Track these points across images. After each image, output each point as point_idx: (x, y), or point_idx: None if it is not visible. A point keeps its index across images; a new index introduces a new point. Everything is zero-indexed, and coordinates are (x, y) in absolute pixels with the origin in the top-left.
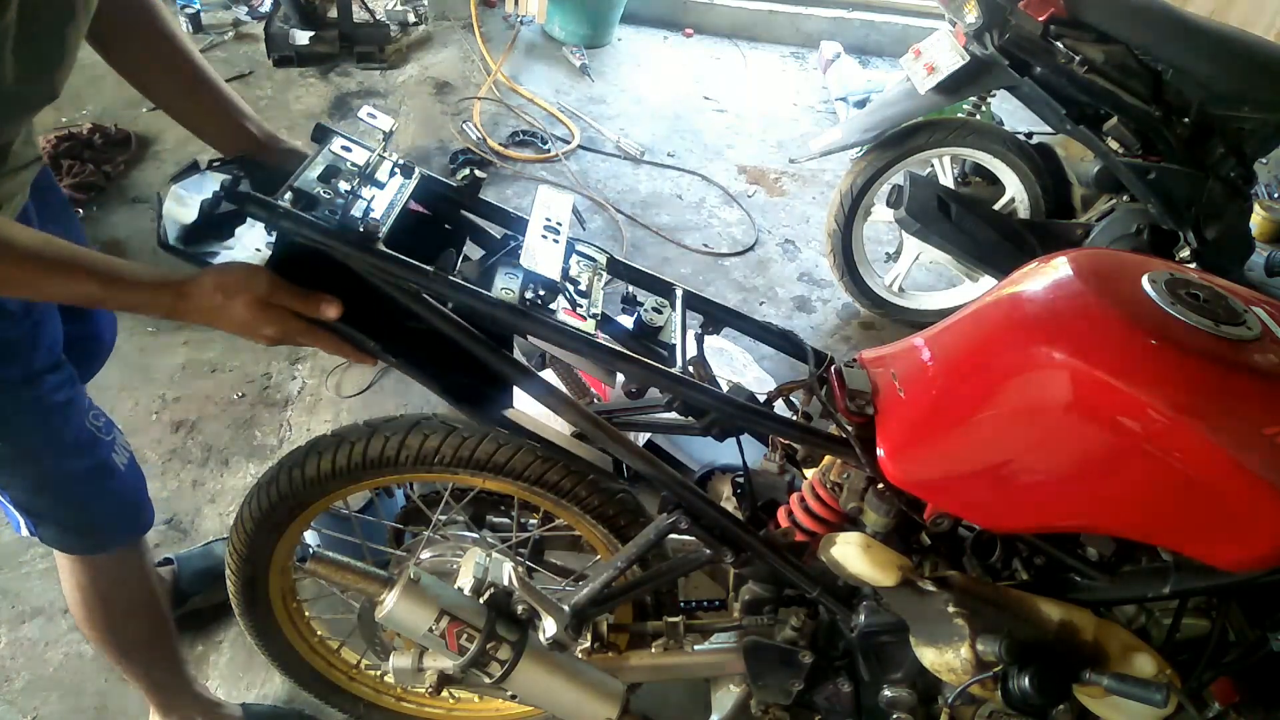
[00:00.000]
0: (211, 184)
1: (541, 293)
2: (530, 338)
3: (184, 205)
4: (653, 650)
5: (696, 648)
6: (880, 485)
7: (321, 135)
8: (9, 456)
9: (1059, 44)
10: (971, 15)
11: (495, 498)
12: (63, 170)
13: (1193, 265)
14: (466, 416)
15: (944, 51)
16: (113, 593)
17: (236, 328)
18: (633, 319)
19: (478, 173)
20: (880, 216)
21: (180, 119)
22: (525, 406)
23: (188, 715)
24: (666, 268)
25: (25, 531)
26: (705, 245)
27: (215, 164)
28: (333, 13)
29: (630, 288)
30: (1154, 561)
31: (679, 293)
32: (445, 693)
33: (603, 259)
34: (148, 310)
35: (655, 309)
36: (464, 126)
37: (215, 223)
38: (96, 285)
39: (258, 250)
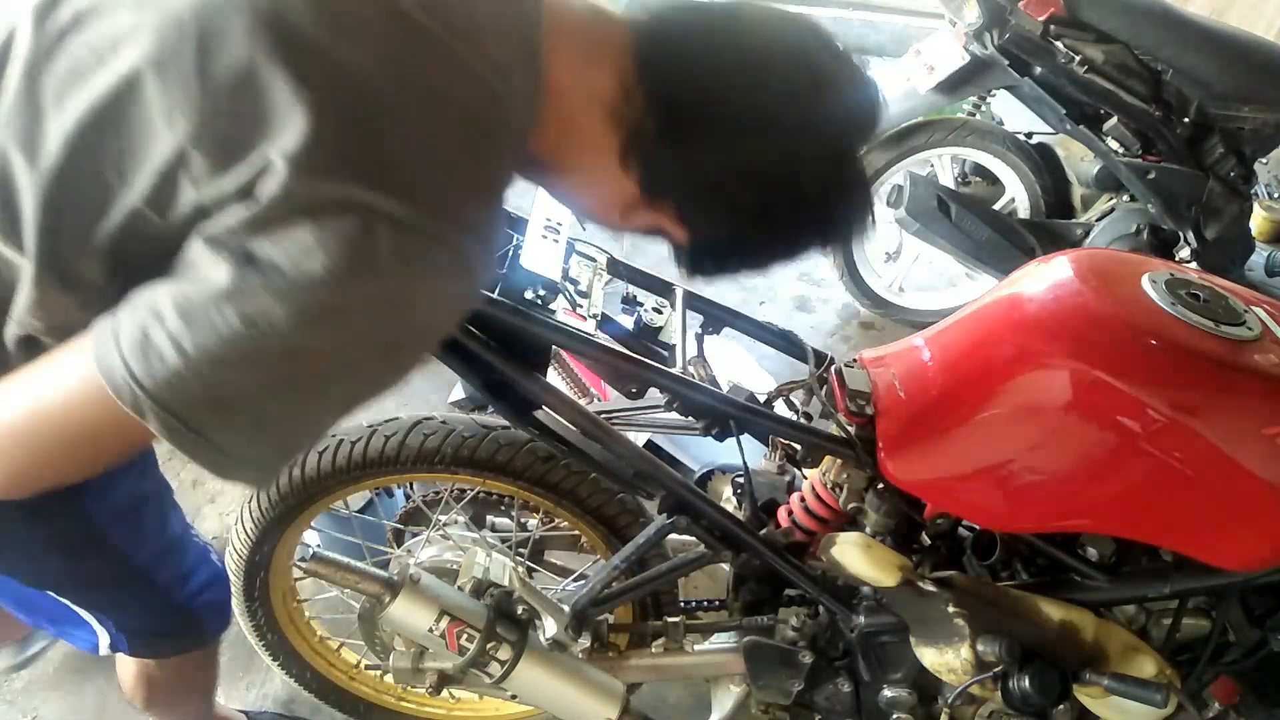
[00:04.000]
0: None
1: (541, 293)
2: None
3: None
4: (653, 650)
5: (696, 648)
6: (880, 485)
7: None
8: (138, 596)
9: (1059, 44)
10: (971, 15)
11: (495, 498)
12: None
13: (1193, 265)
14: (499, 413)
15: (944, 51)
16: (182, 681)
17: None
18: (633, 319)
19: None
20: (880, 216)
21: None
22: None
23: None
24: (666, 267)
25: (105, 650)
26: None
27: None
28: None
29: (630, 288)
30: (1154, 561)
31: (679, 293)
32: (445, 693)
33: (603, 259)
34: None
35: (655, 309)
36: None
37: None
38: None
39: None
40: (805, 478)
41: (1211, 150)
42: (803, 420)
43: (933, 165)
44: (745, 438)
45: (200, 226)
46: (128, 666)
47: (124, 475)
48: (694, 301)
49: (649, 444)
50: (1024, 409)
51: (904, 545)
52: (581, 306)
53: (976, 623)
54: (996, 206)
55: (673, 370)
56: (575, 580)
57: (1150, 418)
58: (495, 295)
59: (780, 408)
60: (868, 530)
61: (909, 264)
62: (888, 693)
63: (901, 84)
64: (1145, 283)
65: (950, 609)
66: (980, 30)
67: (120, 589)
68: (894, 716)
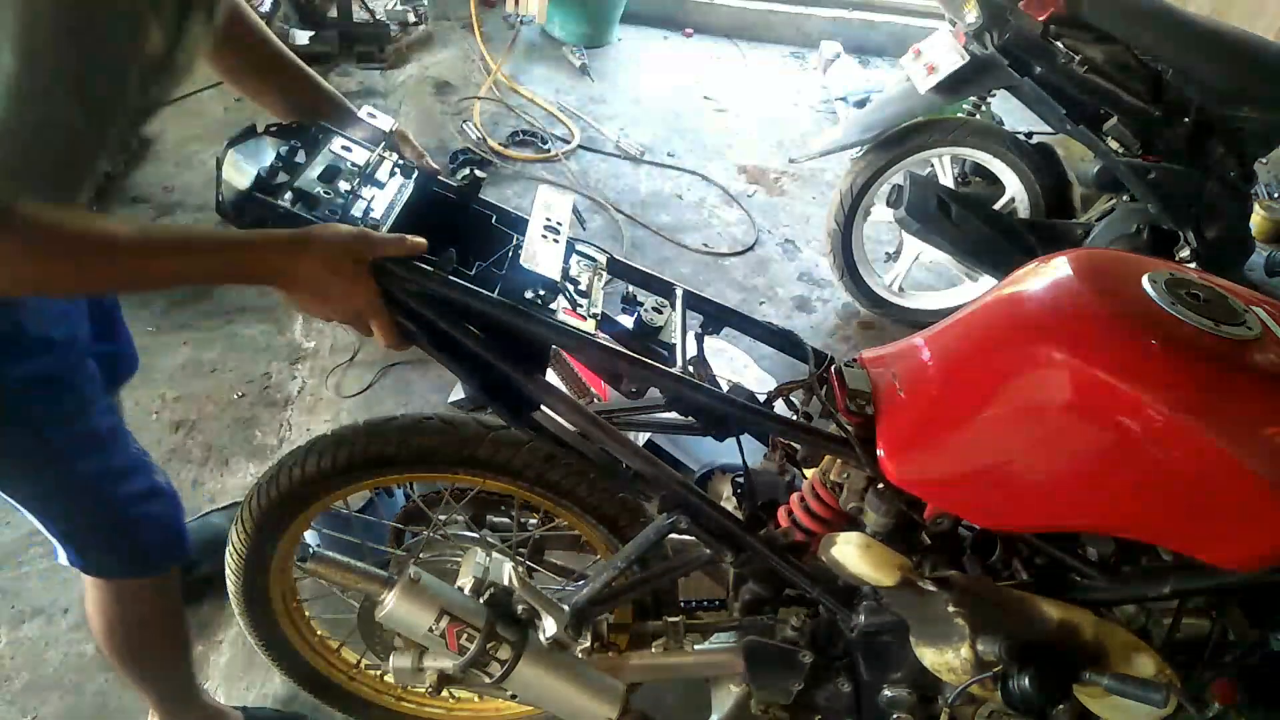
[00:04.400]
0: (267, 149)
1: (541, 293)
2: None
3: (240, 171)
4: (653, 650)
5: (696, 648)
6: (880, 485)
7: (322, 135)
8: (64, 487)
9: (1059, 44)
10: (971, 15)
11: (495, 498)
12: None
13: (1193, 265)
14: (497, 414)
15: (944, 51)
16: (142, 619)
17: (335, 293)
18: (633, 319)
19: (478, 172)
20: (880, 216)
21: (255, 97)
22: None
23: None
24: (666, 267)
25: (64, 560)
26: (705, 245)
27: (271, 128)
28: (333, 12)
29: (630, 287)
30: (1154, 561)
31: (679, 292)
32: (445, 693)
33: (603, 259)
34: (261, 271)
35: (655, 309)
36: (464, 126)
37: (269, 191)
38: (213, 257)
39: None
40: (805, 478)
41: (1211, 150)
42: (803, 420)
43: (933, 165)
44: (745, 438)
45: None
46: (91, 598)
47: (33, 350)
48: (694, 301)
49: (649, 444)
50: (1024, 409)
51: (904, 545)
52: (581, 306)
53: (976, 623)
54: (996, 206)
55: (673, 370)
56: (575, 580)
57: (1150, 417)
58: (495, 295)
59: (780, 408)
60: (868, 530)
61: (909, 264)
62: (888, 693)
63: (901, 84)
64: (1145, 283)
65: (950, 609)
66: (980, 30)
67: (38, 469)
68: (894, 716)
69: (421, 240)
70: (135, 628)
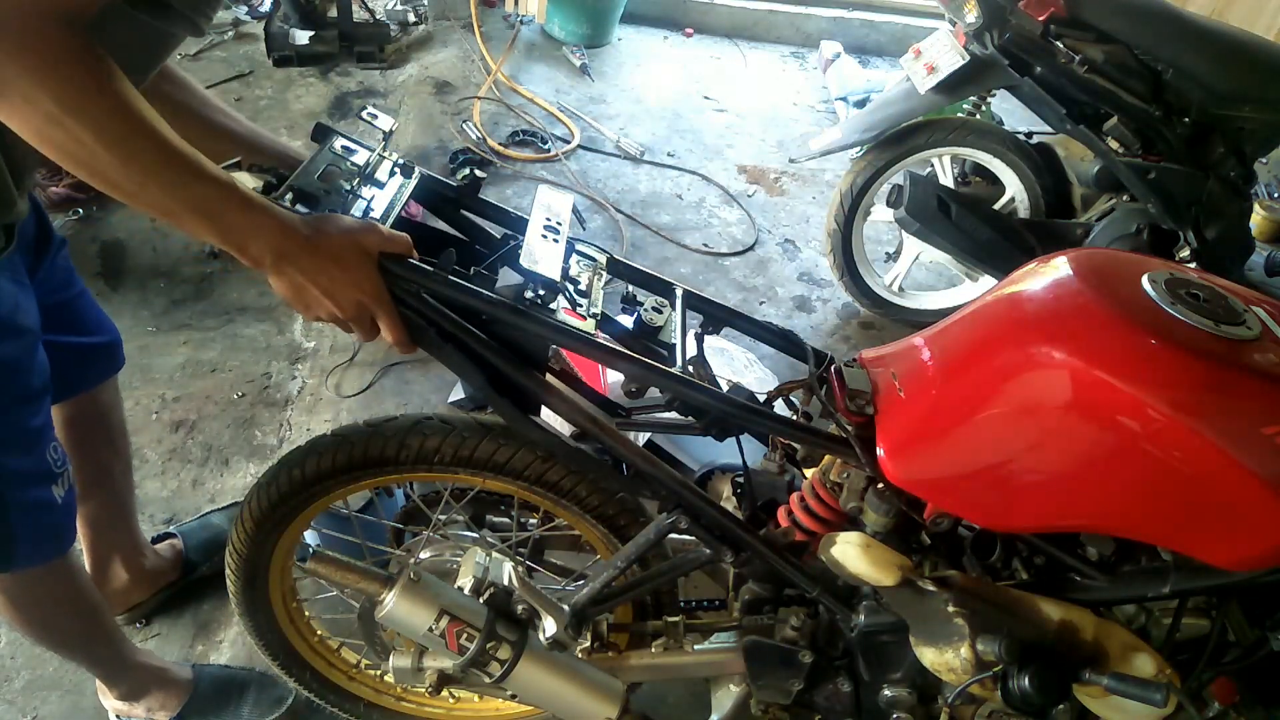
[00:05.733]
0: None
1: (541, 292)
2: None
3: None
4: (653, 650)
5: (696, 647)
6: (880, 485)
7: (321, 135)
8: None
9: (1059, 44)
10: (971, 15)
11: (495, 498)
12: (62, 171)
13: (1193, 265)
14: (500, 413)
15: (944, 51)
16: (40, 595)
17: (340, 283)
18: (633, 319)
19: (478, 172)
20: (880, 216)
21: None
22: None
23: (137, 686)
24: (666, 267)
25: None
26: (705, 245)
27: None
28: (333, 12)
29: (630, 287)
30: (1154, 561)
31: (679, 292)
32: (445, 692)
33: (603, 259)
34: (276, 242)
35: (655, 309)
36: (464, 126)
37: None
38: (240, 199)
39: None
40: (805, 478)
41: (1211, 150)
42: (803, 420)
43: (933, 165)
44: (745, 438)
45: None
46: None
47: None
48: (694, 301)
49: (649, 444)
50: (1023, 408)
51: (904, 545)
52: (581, 306)
53: (976, 622)
54: (996, 206)
55: (673, 370)
56: (575, 580)
57: (1150, 417)
58: (495, 295)
59: (780, 408)
60: (868, 530)
61: (909, 264)
62: (888, 692)
63: (901, 84)
64: (1145, 283)
65: (950, 609)
66: (980, 30)
67: None
68: (894, 716)
69: (411, 240)
70: (36, 606)
